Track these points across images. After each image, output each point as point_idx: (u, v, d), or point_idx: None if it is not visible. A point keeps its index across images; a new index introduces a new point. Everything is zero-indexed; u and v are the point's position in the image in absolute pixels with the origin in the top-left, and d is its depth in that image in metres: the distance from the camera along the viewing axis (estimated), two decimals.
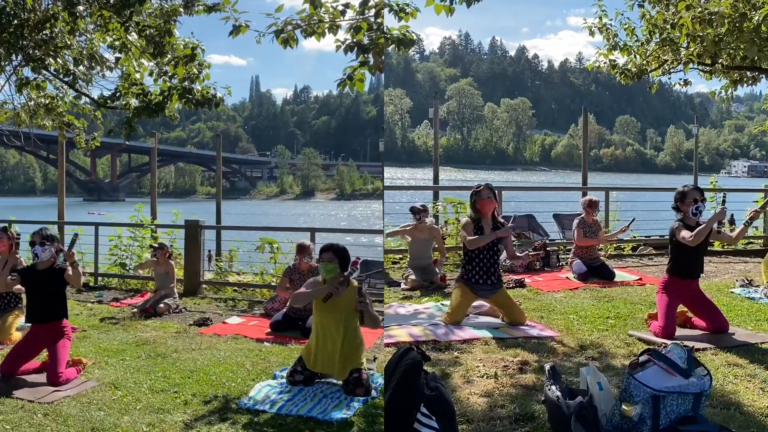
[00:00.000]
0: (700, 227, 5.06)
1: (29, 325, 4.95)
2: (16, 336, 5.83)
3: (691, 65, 7.82)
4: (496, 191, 6.09)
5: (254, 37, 4.51)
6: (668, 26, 7.24)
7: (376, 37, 4.25)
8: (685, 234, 5.04)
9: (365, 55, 4.35)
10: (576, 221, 8.08)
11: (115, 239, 9.75)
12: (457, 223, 9.55)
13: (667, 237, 5.38)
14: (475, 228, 5.71)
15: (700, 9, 6.58)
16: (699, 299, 5.29)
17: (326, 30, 4.43)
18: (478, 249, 5.66)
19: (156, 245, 7.88)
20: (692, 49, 7.09)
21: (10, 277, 5.06)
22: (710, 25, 6.55)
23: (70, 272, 4.78)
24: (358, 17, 4.33)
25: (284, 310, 6.35)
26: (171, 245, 9.05)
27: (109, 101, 6.90)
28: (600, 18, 8.19)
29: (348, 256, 4.54)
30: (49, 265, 4.89)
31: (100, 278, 9.38)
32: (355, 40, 4.30)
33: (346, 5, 4.35)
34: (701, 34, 6.78)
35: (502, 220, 5.89)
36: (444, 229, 9.15)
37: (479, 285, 5.64)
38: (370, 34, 4.28)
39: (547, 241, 9.00)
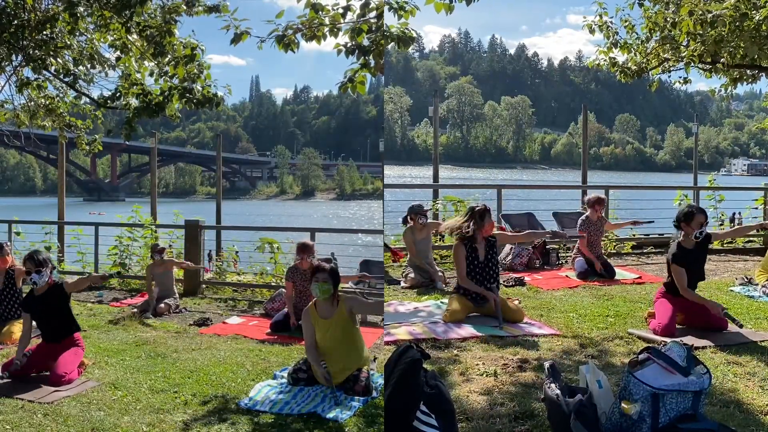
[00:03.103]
0: (691, 293, 5.22)
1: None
2: (18, 336, 5.83)
3: (691, 65, 7.81)
4: (491, 209, 6.09)
5: (255, 43, 4.49)
6: (668, 25, 7.23)
7: (377, 38, 4.25)
8: (679, 281, 5.24)
9: (366, 57, 4.34)
10: (580, 222, 8.06)
11: (117, 240, 9.74)
12: None
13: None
14: (467, 250, 5.80)
15: (701, 12, 6.58)
16: (695, 311, 5.29)
17: (326, 33, 4.42)
18: (470, 266, 5.79)
19: (155, 249, 7.82)
20: (692, 48, 7.09)
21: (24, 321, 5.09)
22: (711, 26, 6.55)
23: (69, 281, 4.82)
24: (358, 20, 4.32)
25: (285, 309, 6.35)
26: (170, 245, 9.05)
27: (109, 101, 6.90)
28: (600, 16, 8.18)
29: (339, 278, 4.55)
30: (47, 287, 4.92)
31: None
32: (355, 42, 4.29)
33: (347, 8, 4.34)
34: (702, 33, 6.77)
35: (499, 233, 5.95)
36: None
37: (476, 300, 5.76)
38: (370, 36, 4.27)
39: (547, 240, 8.99)
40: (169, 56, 6.22)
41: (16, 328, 5.90)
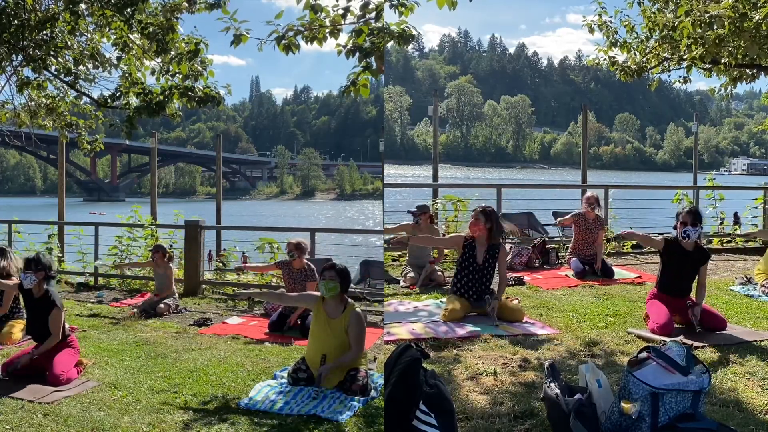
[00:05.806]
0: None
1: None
2: (18, 336, 5.84)
3: (693, 67, 7.80)
4: (489, 214, 5.87)
5: (256, 45, 4.47)
6: (668, 29, 7.22)
7: (377, 40, 4.23)
8: (649, 239, 5.63)
9: (368, 60, 4.33)
10: (572, 213, 8.16)
11: (116, 240, 9.74)
12: (456, 221, 9.57)
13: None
14: (466, 247, 5.80)
15: (699, 13, 6.56)
16: (685, 313, 5.28)
17: (327, 34, 4.41)
18: (468, 268, 5.79)
19: (152, 248, 7.86)
20: (695, 52, 7.08)
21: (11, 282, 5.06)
22: (710, 28, 6.54)
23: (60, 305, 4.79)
24: (359, 21, 4.31)
25: (279, 309, 6.35)
26: (171, 246, 9.05)
27: (109, 101, 6.89)
28: (600, 15, 8.18)
29: (349, 279, 4.53)
30: (42, 293, 4.88)
31: (100, 278, 9.38)
32: (356, 43, 4.27)
33: (347, 9, 4.33)
34: (702, 36, 6.76)
35: (507, 242, 5.92)
36: (444, 227, 9.15)
37: (472, 300, 5.77)
38: (371, 38, 4.26)
39: (546, 239, 8.99)
40: (172, 53, 6.21)
41: (16, 329, 5.91)
